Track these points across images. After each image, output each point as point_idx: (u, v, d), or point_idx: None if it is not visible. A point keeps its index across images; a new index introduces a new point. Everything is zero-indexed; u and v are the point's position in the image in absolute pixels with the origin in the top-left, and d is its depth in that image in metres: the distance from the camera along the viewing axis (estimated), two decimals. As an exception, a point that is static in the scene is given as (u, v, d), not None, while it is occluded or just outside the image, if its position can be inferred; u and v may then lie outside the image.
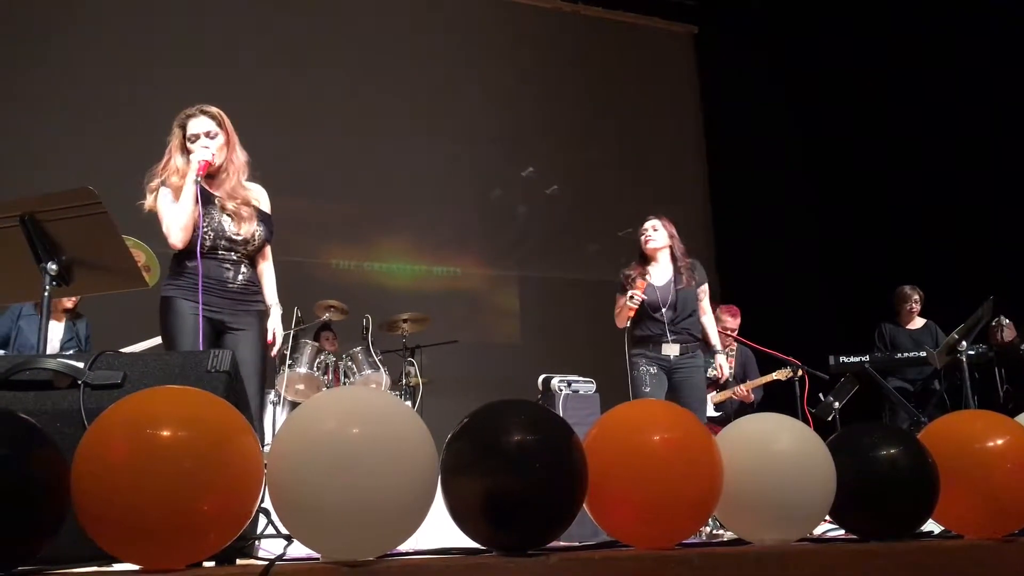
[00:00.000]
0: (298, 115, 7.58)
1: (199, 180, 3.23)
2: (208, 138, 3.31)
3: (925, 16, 6.90)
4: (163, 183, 3.29)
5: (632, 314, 4.51)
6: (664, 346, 4.50)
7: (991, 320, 5.26)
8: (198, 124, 3.32)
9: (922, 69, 7.02)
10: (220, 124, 3.36)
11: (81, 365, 1.90)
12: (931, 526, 2.30)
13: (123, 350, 4.98)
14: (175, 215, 3.22)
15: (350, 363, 5.74)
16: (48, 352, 4.94)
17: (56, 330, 5.15)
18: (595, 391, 4.97)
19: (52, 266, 2.69)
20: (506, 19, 8.82)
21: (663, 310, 4.52)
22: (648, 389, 4.43)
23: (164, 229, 3.25)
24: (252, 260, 3.41)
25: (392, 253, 8.15)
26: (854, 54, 7.59)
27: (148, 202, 3.31)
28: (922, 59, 6.99)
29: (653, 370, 4.48)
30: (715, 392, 5.94)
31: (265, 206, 3.48)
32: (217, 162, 3.33)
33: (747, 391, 5.90)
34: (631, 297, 4.48)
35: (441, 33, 8.42)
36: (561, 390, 4.88)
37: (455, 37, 8.47)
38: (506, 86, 8.51)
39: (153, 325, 5.34)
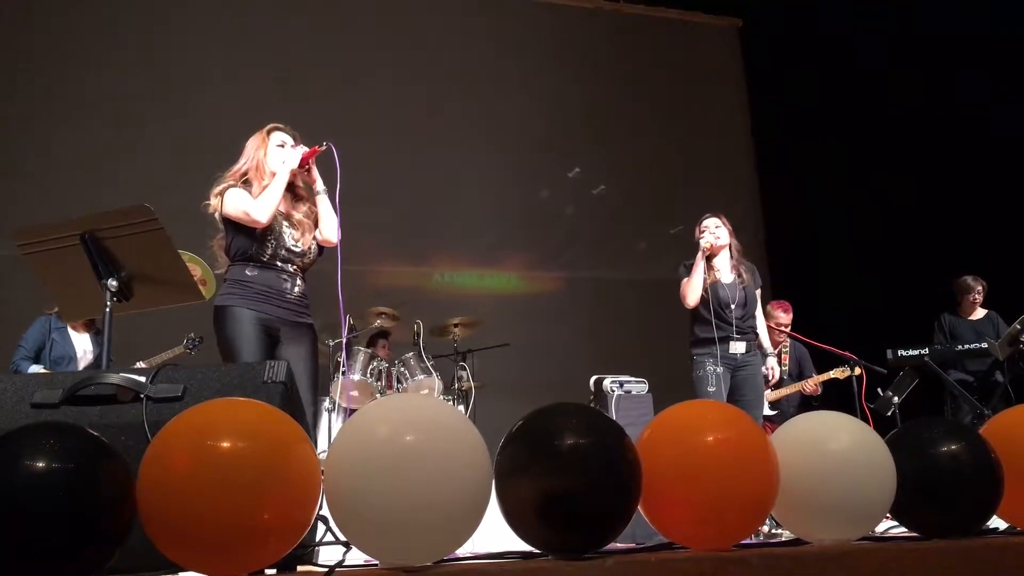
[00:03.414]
0: (345, 123, 7.65)
1: (308, 166, 3.41)
2: (292, 149, 3.49)
3: (967, 9, 6.75)
4: (232, 186, 3.36)
5: (709, 251, 4.55)
6: (732, 344, 4.52)
7: (1055, 309, 5.10)
8: (284, 136, 3.51)
9: (969, 59, 6.85)
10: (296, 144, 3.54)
11: (143, 379, 1.95)
12: (996, 523, 2.25)
13: (139, 365, 5.15)
14: (267, 194, 3.31)
15: (403, 369, 5.78)
16: (82, 363, 5.14)
17: (85, 342, 5.31)
18: (647, 391, 4.94)
19: (113, 282, 2.77)
20: (547, 20, 8.82)
21: (732, 307, 4.54)
22: (713, 389, 4.42)
23: (247, 210, 3.28)
24: (304, 274, 3.48)
25: (442, 258, 8.20)
26: (904, 45, 7.43)
27: (213, 203, 3.37)
28: (968, 48, 6.83)
29: (719, 370, 4.47)
30: (769, 390, 5.87)
31: None
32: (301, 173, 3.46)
33: (815, 385, 5.84)
34: (705, 236, 4.58)
35: (483, 37, 8.46)
36: (613, 391, 4.85)
37: (497, 41, 8.49)
38: (550, 87, 8.51)
39: (155, 341, 5.53)
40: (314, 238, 3.48)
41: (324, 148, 3.43)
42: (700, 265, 4.56)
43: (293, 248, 3.40)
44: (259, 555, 1.56)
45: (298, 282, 3.41)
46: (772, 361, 4.91)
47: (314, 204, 3.50)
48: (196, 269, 4.73)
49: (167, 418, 1.62)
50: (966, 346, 5.64)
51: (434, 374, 5.79)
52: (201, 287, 3.20)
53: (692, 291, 4.56)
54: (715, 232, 4.65)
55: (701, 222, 4.74)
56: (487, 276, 8.31)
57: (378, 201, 7.78)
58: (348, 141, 7.48)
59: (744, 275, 4.66)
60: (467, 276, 8.26)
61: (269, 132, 3.49)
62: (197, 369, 2.02)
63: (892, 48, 7.51)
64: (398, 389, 5.72)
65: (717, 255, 4.66)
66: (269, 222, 3.31)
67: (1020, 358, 4.73)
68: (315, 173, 3.48)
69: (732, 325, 4.52)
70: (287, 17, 7.94)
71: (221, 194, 3.35)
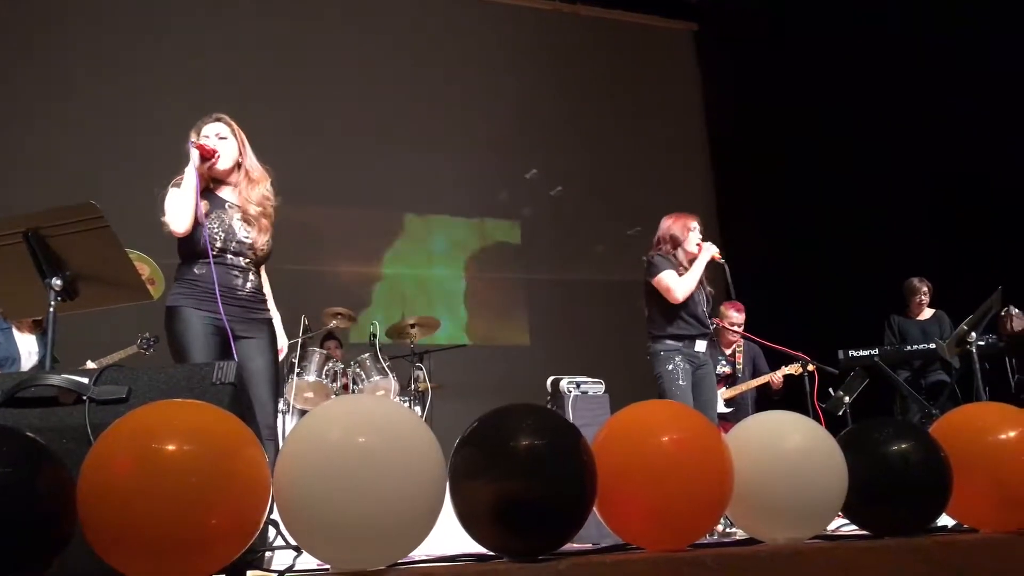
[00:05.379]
0: (302, 122, 7.58)
1: (199, 166, 3.21)
2: (217, 138, 3.34)
3: (926, 13, 6.88)
4: (174, 185, 3.26)
5: (716, 258, 4.58)
6: (697, 342, 4.54)
7: (1000, 310, 5.23)
8: (210, 128, 3.36)
9: (922, 65, 6.99)
10: (232, 130, 3.38)
11: (86, 380, 1.90)
12: (945, 520, 2.29)
13: (88, 364, 5.02)
14: (176, 199, 3.18)
15: (358, 370, 5.73)
16: (27, 365, 5.01)
17: (31, 343, 5.17)
18: (604, 392, 4.95)
19: (56, 281, 2.69)
20: (504, 21, 8.81)
21: (706, 307, 4.61)
22: (684, 383, 4.41)
23: (166, 218, 3.19)
24: (258, 268, 3.40)
25: (398, 258, 8.15)
26: (854, 49, 7.55)
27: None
28: (921, 55, 6.97)
29: (687, 367, 4.47)
30: (725, 388, 5.92)
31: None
32: (227, 164, 3.33)
33: (780, 379, 5.87)
34: (710, 246, 4.59)
35: (439, 38, 8.41)
36: (570, 392, 4.85)
37: (453, 41, 8.46)
38: (507, 88, 8.50)
39: (109, 340, 5.43)
40: (269, 231, 3.38)
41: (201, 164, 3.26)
42: (702, 268, 4.56)
43: (244, 240, 3.29)
44: (206, 561, 1.52)
45: (251, 277, 3.31)
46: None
47: (259, 185, 3.38)
48: (144, 268, 4.62)
49: (111, 421, 1.57)
50: (915, 347, 5.77)
51: (390, 375, 5.74)
52: (150, 286, 3.13)
53: (687, 288, 4.50)
54: (700, 234, 4.68)
55: (688, 220, 4.70)
56: (444, 276, 8.28)
57: (335, 201, 7.73)
58: (306, 141, 7.50)
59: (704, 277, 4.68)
60: (424, 276, 8.22)
61: (197, 129, 3.36)
62: (143, 370, 1.97)
63: (848, 49, 7.62)
64: (354, 390, 5.67)
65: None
66: (187, 230, 3.17)
67: (968, 359, 4.82)
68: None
69: (703, 324, 4.56)
70: (248, 15, 7.83)
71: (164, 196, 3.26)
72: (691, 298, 4.54)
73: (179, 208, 3.17)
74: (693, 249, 4.62)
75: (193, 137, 3.33)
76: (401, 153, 7.95)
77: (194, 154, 3.22)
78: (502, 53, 8.62)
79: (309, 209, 7.33)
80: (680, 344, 4.50)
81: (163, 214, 3.25)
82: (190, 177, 3.20)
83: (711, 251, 4.60)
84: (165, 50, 7.42)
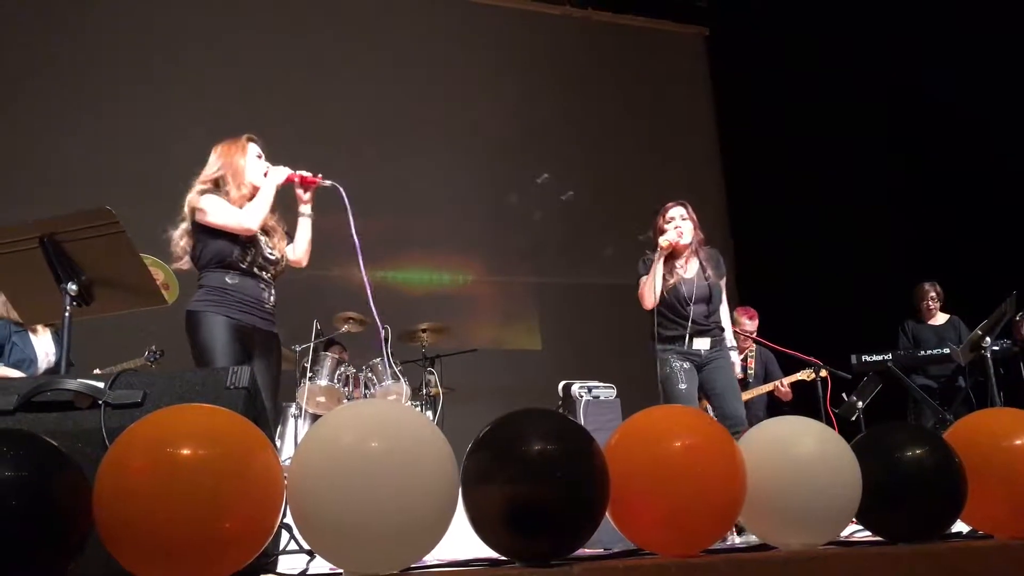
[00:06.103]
0: (312, 128, 7.60)
1: (280, 184, 3.42)
2: (263, 160, 3.50)
3: (933, 14, 6.86)
4: (208, 191, 3.33)
5: (669, 250, 4.29)
6: (696, 340, 4.31)
7: (1015, 315, 5.19)
8: (259, 148, 3.51)
9: (931, 66, 6.97)
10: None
11: (102, 385, 1.91)
12: (960, 527, 2.27)
13: (96, 373, 5.03)
14: (259, 205, 3.34)
15: (370, 374, 5.74)
16: (43, 365, 5.04)
17: (47, 343, 5.19)
18: (616, 396, 4.93)
19: (72, 286, 2.71)
20: (516, 27, 8.82)
21: (692, 305, 4.31)
22: (684, 387, 4.22)
23: (239, 218, 3.28)
24: (275, 281, 3.48)
25: (410, 263, 8.15)
26: (865, 51, 7.53)
27: (191, 200, 3.33)
28: (930, 56, 6.95)
29: (686, 366, 4.28)
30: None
31: None
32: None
33: (787, 388, 5.83)
34: (668, 233, 4.30)
35: (452, 42, 8.43)
36: (582, 396, 4.83)
37: (466, 46, 8.48)
38: (519, 93, 8.50)
39: (121, 343, 5.45)
40: (285, 239, 3.53)
41: (327, 185, 3.49)
42: (659, 265, 4.30)
43: (269, 256, 3.42)
44: (220, 565, 1.53)
45: (272, 291, 3.43)
46: (735, 355, 4.75)
47: (276, 213, 3.52)
48: (159, 273, 4.64)
49: (126, 425, 1.58)
50: (929, 351, 5.73)
51: (402, 380, 5.75)
52: (164, 291, 3.15)
53: (650, 293, 4.31)
54: (680, 225, 4.38)
55: (666, 211, 4.45)
56: (455, 281, 8.28)
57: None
58: (315, 146, 7.51)
59: (707, 267, 4.40)
60: (435, 281, 8.23)
61: (248, 140, 3.47)
62: (157, 374, 1.99)
63: (859, 51, 7.60)
64: (366, 395, 5.67)
65: (681, 254, 4.42)
66: (258, 230, 3.34)
67: (982, 364, 4.79)
68: (306, 196, 3.53)
69: (694, 322, 4.30)
70: (255, 21, 7.86)
71: (199, 195, 3.31)
72: (676, 296, 4.33)
73: (261, 212, 3.34)
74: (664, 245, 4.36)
75: (243, 144, 3.44)
76: (413, 157, 7.97)
77: (283, 175, 3.42)
78: (514, 57, 8.63)
79: (320, 214, 7.32)
80: (672, 345, 4.31)
81: (205, 213, 3.28)
82: (273, 189, 3.39)
83: (660, 243, 4.33)
84: (180, 60, 7.46)
